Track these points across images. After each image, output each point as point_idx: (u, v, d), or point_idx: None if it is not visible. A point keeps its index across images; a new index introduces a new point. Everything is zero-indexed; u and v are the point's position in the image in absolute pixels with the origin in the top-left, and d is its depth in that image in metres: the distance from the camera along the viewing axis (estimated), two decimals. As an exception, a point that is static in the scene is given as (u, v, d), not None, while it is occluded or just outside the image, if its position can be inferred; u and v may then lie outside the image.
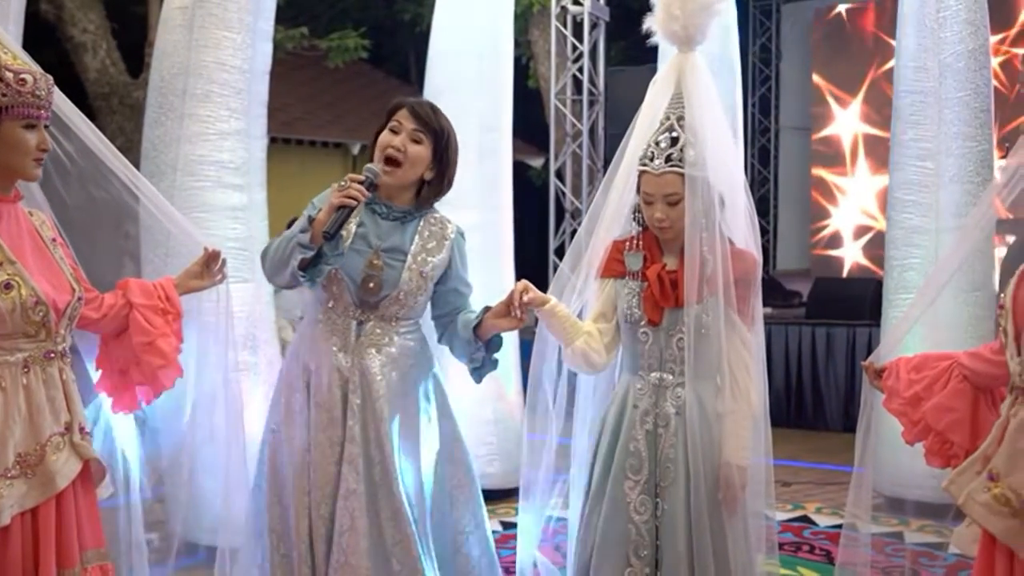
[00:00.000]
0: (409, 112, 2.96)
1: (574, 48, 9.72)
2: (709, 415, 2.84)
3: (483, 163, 5.95)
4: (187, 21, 4.87)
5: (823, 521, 5.49)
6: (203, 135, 4.84)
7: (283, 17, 10.47)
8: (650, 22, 2.96)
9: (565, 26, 9.67)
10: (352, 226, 2.95)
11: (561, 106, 9.83)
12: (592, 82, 9.67)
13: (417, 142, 2.95)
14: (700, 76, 2.92)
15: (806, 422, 8.08)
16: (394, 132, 2.96)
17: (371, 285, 2.92)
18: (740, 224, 2.93)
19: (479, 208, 5.93)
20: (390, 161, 2.93)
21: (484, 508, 3.10)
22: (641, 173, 2.87)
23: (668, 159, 2.81)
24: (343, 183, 2.84)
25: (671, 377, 2.86)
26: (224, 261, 3.04)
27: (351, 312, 2.96)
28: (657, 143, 2.85)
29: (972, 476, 2.32)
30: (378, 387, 2.92)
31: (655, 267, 2.88)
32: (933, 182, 5.54)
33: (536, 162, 12.77)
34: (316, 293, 3.01)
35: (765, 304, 10.47)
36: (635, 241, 2.93)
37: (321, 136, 11.93)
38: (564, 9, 9.53)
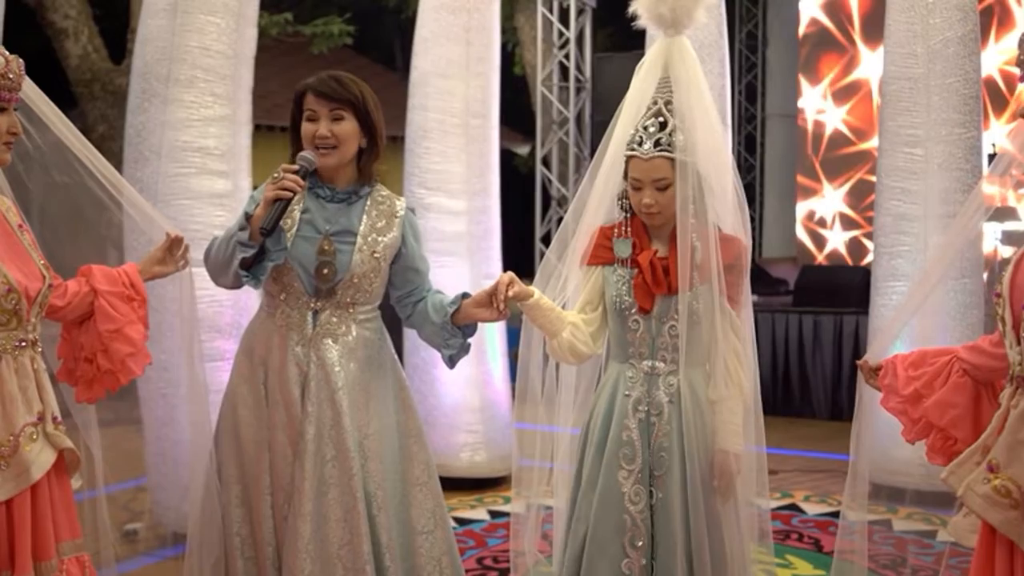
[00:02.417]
0: (316, 96, 2.85)
1: (560, 34, 9.67)
2: (702, 403, 2.81)
3: (470, 149, 5.92)
4: (171, 6, 4.82)
5: (811, 509, 5.48)
6: (187, 121, 4.78)
7: (267, 3, 10.37)
8: (636, 5, 2.91)
9: (551, 12, 9.62)
10: (296, 213, 2.86)
11: (547, 93, 9.78)
12: (578, 69, 9.63)
13: (339, 119, 2.85)
14: (688, 61, 2.87)
15: (793, 410, 8.07)
16: (312, 120, 2.86)
17: (325, 271, 2.85)
18: (729, 210, 2.89)
19: (466, 195, 5.91)
20: (325, 147, 2.84)
21: (445, 506, 3.03)
22: (629, 158, 2.83)
23: (657, 143, 2.77)
24: (276, 175, 2.74)
25: (663, 365, 2.83)
26: (187, 247, 2.97)
27: (305, 302, 2.88)
28: (645, 128, 2.81)
29: (971, 467, 2.27)
30: (336, 378, 2.84)
31: (646, 253, 2.84)
32: (922, 169, 5.52)
33: (522, 149, 12.72)
34: (266, 286, 2.91)
35: (751, 292, 10.46)
36: (624, 227, 2.88)
37: (306, 123, 11.84)
38: (550, -5, 9.48)
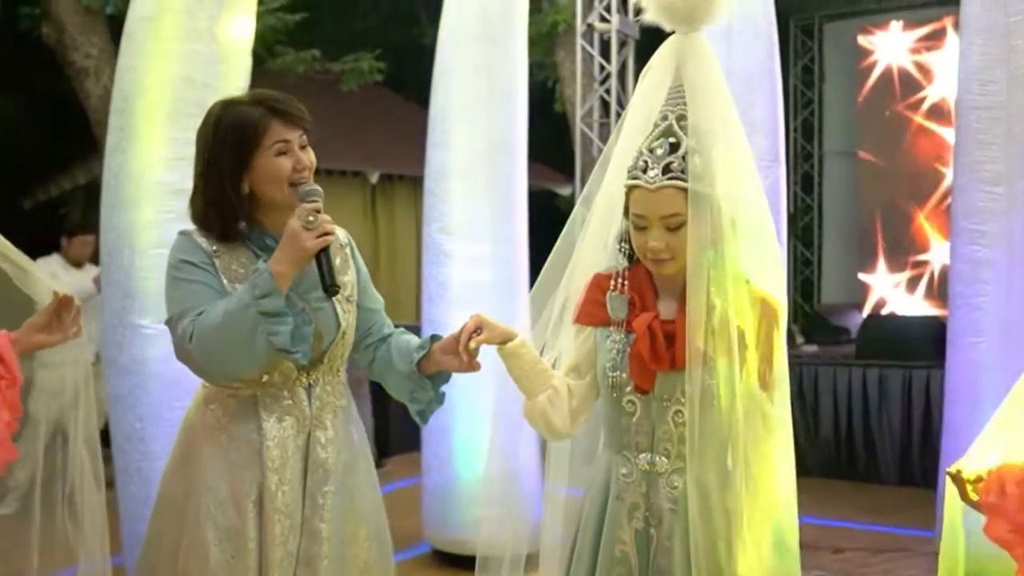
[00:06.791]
0: (285, 123, 2.31)
1: (601, 68, 9.12)
2: (714, 511, 2.15)
3: (494, 189, 5.37)
4: (151, 34, 4.34)
5: (882, 600, 4.78)
6: (170, 160, 4.28)
7: (298, 41, 9.99)
8: None
9: (592, 45, 9.08)
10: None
11: (587, 130, 9.22)
12: (620, 104, 9.04)
13: (306, 147, 2.36)
14: (706, 65, 2.22)
15: (858, 475, 7.32)
16: (285, 153, 2.30)
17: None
18: (759, 257, 2.24)
19: (491, 240, 5.34)
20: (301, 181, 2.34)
21: None
22: (631, 188, 2.20)
23: (667, 169, 2.14)
24: (311, 219, 2.21)
25: (666, 461, 2.20)
26: (78, 310, 2.44)
27: (295, 379, 2.36)
28: (651, 150, 2.17)
29: None
30: (346, 457, 2.43)
31: (645, 316, 2.20)
32: (1004, 208, 4.86)
33: (565, 190, 12.15)
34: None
35: (810, 341, 9.65)
36: (620, 279, 2.26)
37: (338, 164, 11.38)
38: (590, 27, 8.93)
